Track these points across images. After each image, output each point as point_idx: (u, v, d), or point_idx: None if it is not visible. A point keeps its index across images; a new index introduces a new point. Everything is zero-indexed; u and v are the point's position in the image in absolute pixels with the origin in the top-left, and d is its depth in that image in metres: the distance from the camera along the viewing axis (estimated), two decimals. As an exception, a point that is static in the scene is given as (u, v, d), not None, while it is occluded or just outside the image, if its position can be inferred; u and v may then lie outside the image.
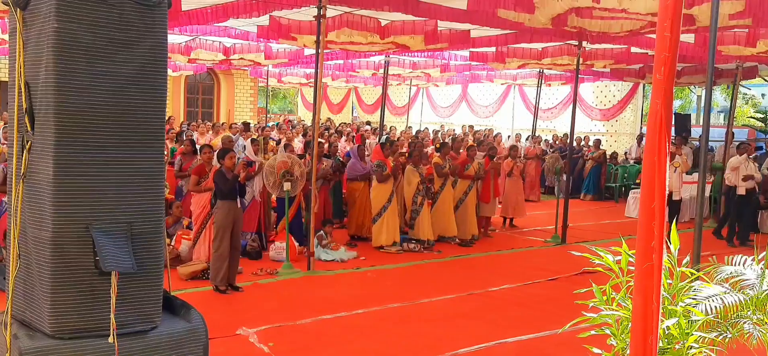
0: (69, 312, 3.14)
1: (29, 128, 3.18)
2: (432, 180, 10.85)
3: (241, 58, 15.84)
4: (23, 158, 3.21)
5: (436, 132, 21.89)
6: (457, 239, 11.17)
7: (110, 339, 3.15)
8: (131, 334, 3.26)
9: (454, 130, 22.57)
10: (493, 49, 13.71)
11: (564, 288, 8.42)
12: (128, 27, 3.23)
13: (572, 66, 13.69)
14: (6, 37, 12.96)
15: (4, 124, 12.49)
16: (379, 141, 12.54)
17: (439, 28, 10.78)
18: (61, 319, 3.13)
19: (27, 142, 3.20)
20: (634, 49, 13.41)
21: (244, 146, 12.20)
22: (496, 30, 11.24)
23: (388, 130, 19.93)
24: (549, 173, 13.21)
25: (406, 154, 11.59)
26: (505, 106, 25.53)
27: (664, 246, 2.63)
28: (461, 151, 11.97)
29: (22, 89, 3.17)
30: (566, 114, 21.64)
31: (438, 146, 12.27)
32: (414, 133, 20.21)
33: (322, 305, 7.39)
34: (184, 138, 12.72)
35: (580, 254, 4.07)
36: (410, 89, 26.55)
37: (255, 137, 12.97)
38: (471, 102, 26.67)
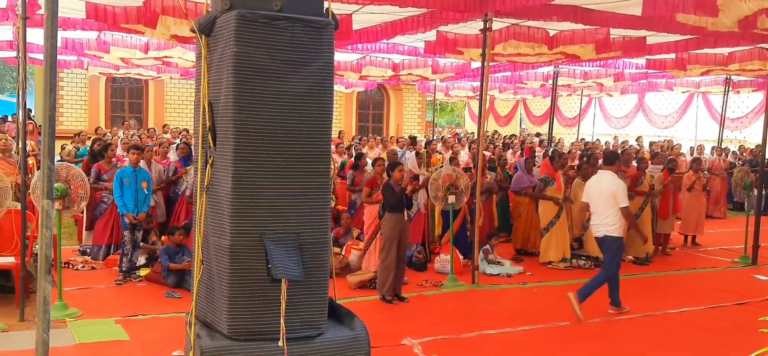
0: (244, 315, 3.37)
1: (212, 145, 3.46)
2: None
3: (409, 74, 16.20)
4: (206, 172, 3.50)
5: (607, 143, 20.95)
6: (631, 257, 10.59)
7: (280, 343, 3.33)
8: (299, 339, 3.43)
9: (627, 142, 21.45)
10: (673, 55, 12.88)
11: (754, 313, 7.68)
12: (299, 48, 3.42)
13: (765, 71, 12.52)
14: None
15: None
16: (546, 154, 12.20)
17: (611, 36, 10.33)
18: (237, 321, 3.37)
19: (210, 157, 3.48)
20: (840, 50, 12.00)
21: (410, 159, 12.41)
22: (674, 35, 10.56)
23: (556, 142, 19.39)
24: (737, 187, 12.13)
25: (576, 167, 11.16)
26: (687, 115, 23.94)
27: None
28: (631, 164, 11.33)
29: (206, 109, 3.47)
30: (758, 123, 19.77)
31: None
32: (584, 145, 19.49)
33: (487, 319, 7.31)
34: (353, 152, 13.19)
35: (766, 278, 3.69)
36: (581, 99, 25.66)
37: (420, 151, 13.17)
38: (648, 112, 25.26)
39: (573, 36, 10.43)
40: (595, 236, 7.71)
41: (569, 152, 15.53)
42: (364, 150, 15.04)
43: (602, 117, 27.43)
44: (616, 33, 10.37)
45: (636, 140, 21.89)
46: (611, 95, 25.04)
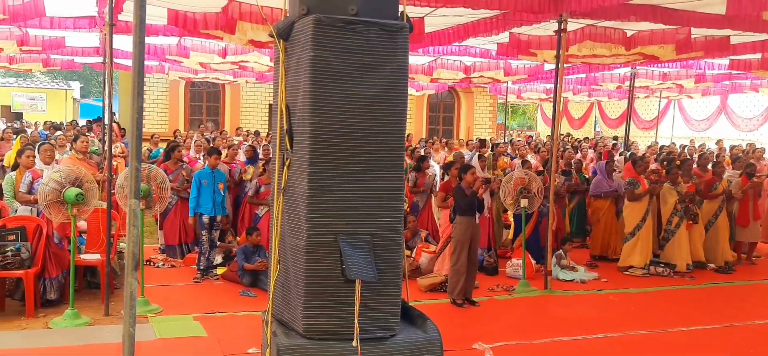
0: (319, 314, 3.43)
1: (289, 147, 3.53)
2: (693, 200, 10.02)
3: (481, 76, 16.05)
4: (283, 173, 3.58)
5: (683, 147, 20.20)
6: (712, 266, 10.19)
7: (354, 343, 3.37)
8: (372, 340, 3.46)
9: (703, 145, 20.60)
10: (759, 55, 12.29)
11: None
12: (373, 52, 3.46)
13: None
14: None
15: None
16: (626, 157, 11.86)
17: (692, 36, 9.96)
18: (312, 321, 3.43)
19: (287, 159, 3.56)
20: None
21: (477, 163, 12.29)
22: (761, 34, 10.09)
23: (630, 145, 18.82)
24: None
25: (663, 171, 10.81)
26: (774, 118, 22.83)
27: None
28: (708, 168, 10.92)
29: (283, 112, 3.54)
30: None
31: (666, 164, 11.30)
32: (659, 148, 18.86)
33: (560, 326, 7.18)
34: (420, 154, 13.17)
35: None
36: (659, 101, 24.83)
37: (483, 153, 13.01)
38: (731, 114, 24.23)
39: (652, 36, 10.10)
40: None
41: (643, 156, 15.07)
42: (429, 152, 14.98)
43: (682, 120, 26.45)
44: (697, 33, 9.98)
45: (715, 144, 21.05)
46: (692, 97, 24.12)
